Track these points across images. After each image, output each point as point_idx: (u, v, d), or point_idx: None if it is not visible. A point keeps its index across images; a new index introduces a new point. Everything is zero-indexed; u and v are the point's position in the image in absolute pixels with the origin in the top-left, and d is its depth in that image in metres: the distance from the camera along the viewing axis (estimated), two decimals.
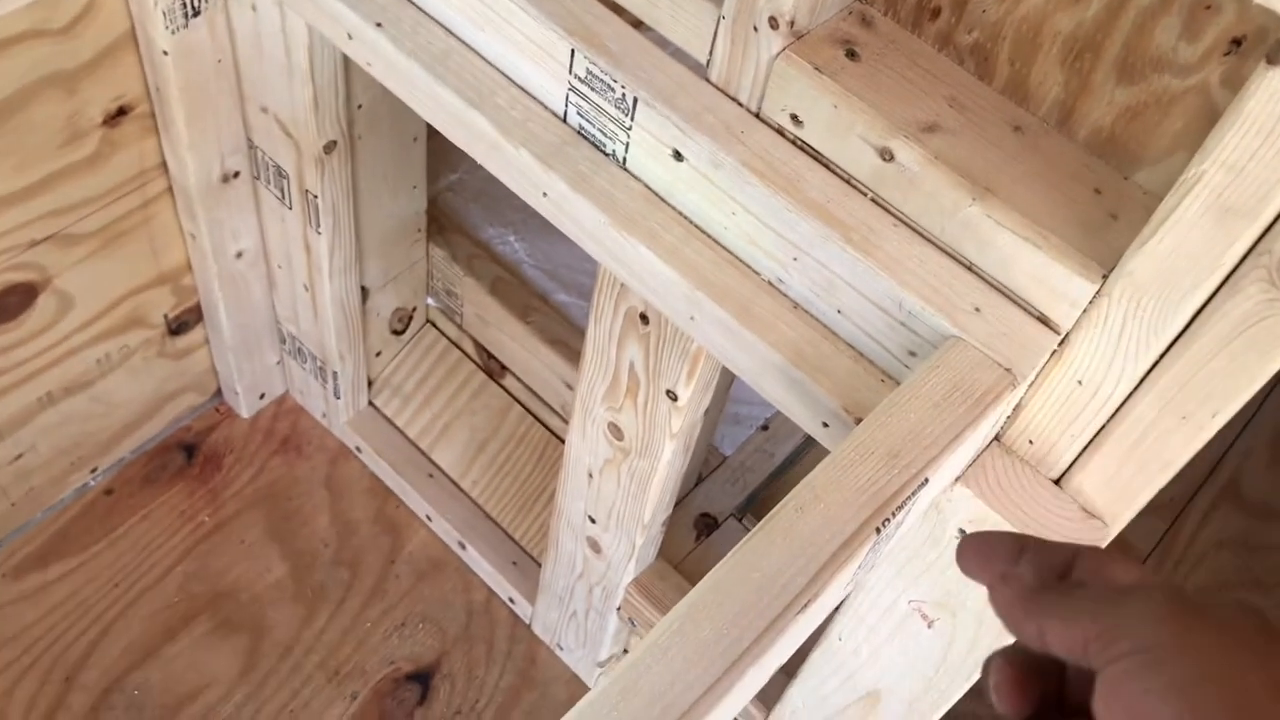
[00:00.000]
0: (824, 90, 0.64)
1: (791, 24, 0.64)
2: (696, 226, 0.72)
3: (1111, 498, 0.66)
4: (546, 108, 0.75)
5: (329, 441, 1.42)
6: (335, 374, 1.30)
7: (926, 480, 0.58)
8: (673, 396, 0.84)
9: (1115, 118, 0.62)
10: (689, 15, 0.68)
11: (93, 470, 1.33)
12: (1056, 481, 0.68)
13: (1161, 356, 0.60)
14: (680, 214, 0.72)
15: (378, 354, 1.37)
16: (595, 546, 1.08)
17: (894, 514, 0.56)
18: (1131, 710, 0.34)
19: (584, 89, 0.72)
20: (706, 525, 1.17)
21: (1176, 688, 0.33)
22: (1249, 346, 0.56)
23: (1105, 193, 0.63)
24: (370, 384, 1.39)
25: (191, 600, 1.29)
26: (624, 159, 0.73)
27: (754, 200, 0.67)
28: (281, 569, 1.32)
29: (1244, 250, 0.54)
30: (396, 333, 1.37)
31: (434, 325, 1.41)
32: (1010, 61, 0.65)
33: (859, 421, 0.66)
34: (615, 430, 0.93)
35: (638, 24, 0.72)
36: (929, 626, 0.76)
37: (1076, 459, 0.67)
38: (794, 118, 0.67)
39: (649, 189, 0.73)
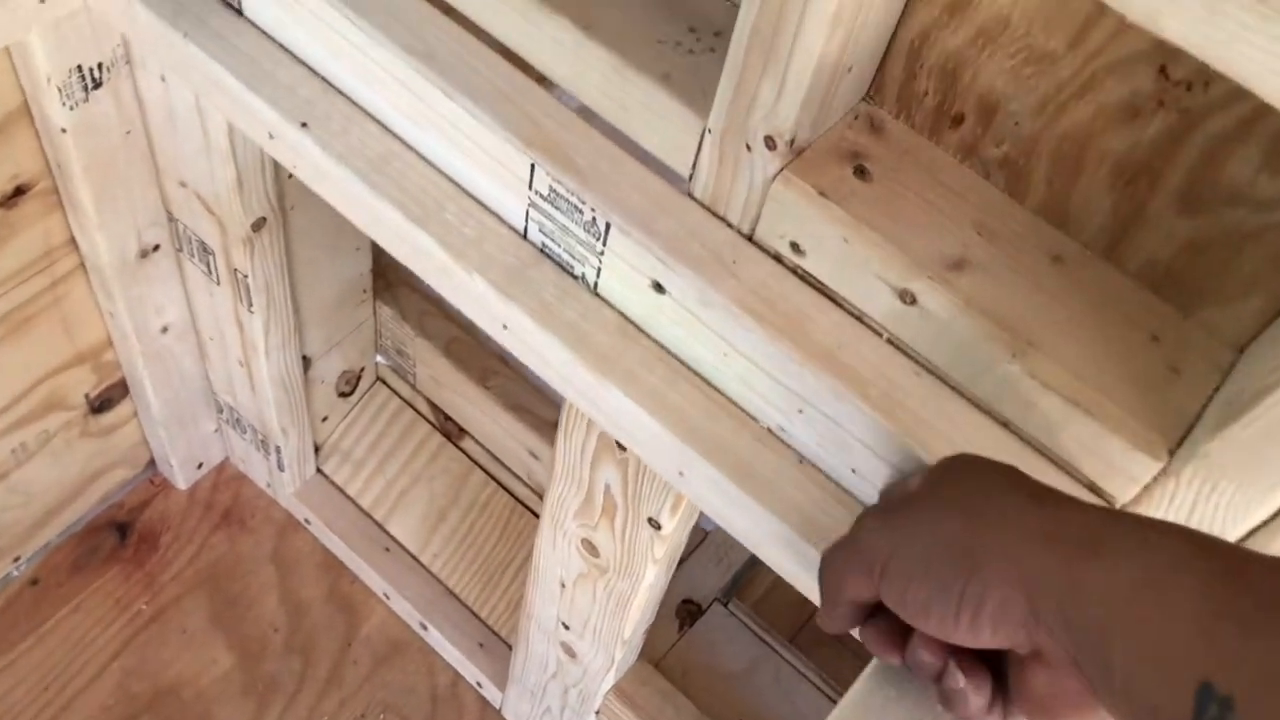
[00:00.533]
0: (832, 220, 0.55)
1: (791, 143, 0.54)
2: (683, 363, 0.62)
3: None
4: (504, 222, 0.65)
5: (275, 512, 1.31)
6: (278, 448, 1.19)
7: None
8: (655, 525, 0.75)
9: (1175, 252, 0.53)
10: (666, 125, 0.58)
11: (15, 559, 1.22)
12: None
13: (1243, 540, 0.51)
14: (663, 348, 0.63)
15: (324, 419, 1.26)
16: (570, 651, 0.99)
17: None
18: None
19: (547, 207, 0.62)
20: (690, 613, 1.08)
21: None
22: None
23: (1164, 340, 0.54)
24: (317, 450, 1.28)
25: (130, 701, 1.18)
26: (595, 284, 0.63)
27: (751, 345, 0.58)
28: (228, 660, 1.22)
29: None
30: (344, 395, 1.26)
31: (384, 383, 1.31)
32: (1048, 181, 0.55)
33: None
34: (590, 547, 0.83)
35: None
36: None
37: None
38: (795, 246, 0.57)
39: (625, 318, 0.63)
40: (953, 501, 0.42)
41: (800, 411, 0.58)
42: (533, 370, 0.65)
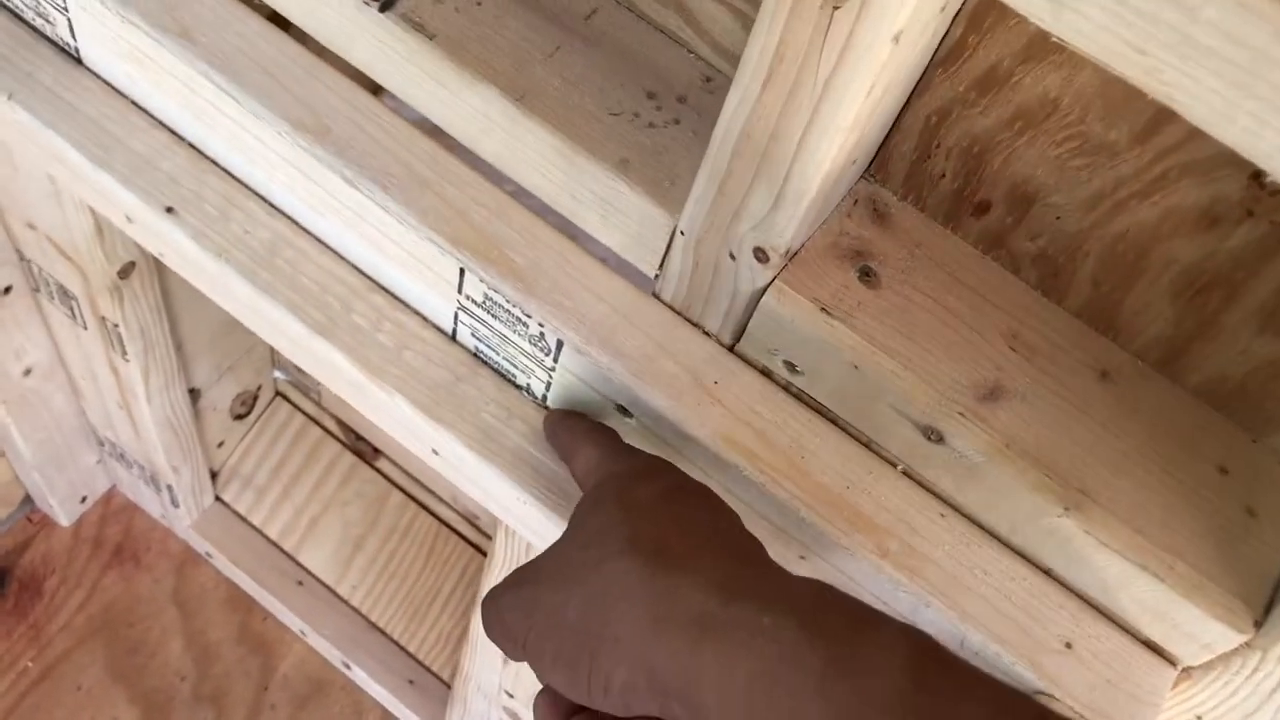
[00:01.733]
0: (837, 343, 0.45)
1: (787, 253, 0.44)
2: None
3: None
4: (428, 323, 0.54)
5: (172, 545, 1.19)
6: (170, 486, 1.07)
7: None
8: None
9: (1249, 370, 0.44)
10: (626, 220, 0.47)
11: None
12: None
13: None
14: None
15: (219, 445, 1.14)
16: (516, 718, 0.90)
17: None
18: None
19: (482, 314, 0.50)
20: None
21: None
22: None
23: (1233, 471, 0.45)
24: (214, 476, 1.15)
25: None
26: (544, 396, 0.53)
27: (741, 486, 0.48)
28: (131, 716, 1.11)
29: None
30: (239, 417, 1.14)
31: (286, 399, 1.18)
32: (1094, 283, 0.46)
33: None
34: None
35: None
36: None
37: None
38: (790, 365, 0.47)
39: None
40: (573, 575, 0.41)
41: (803, 559, 0.49)
42: (476, 499, 0.54)
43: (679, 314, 0.49)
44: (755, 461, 0.47)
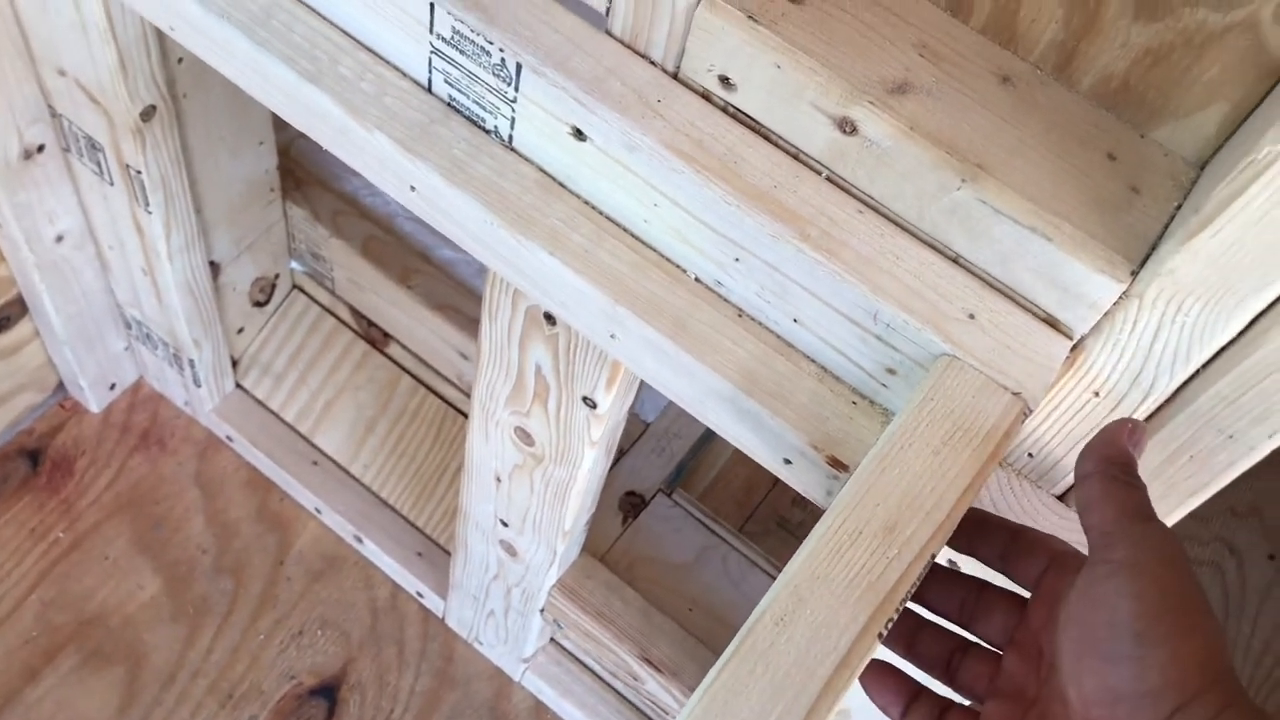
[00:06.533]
0: (763, 46, 0.50)
1: None
2: (610, 220, 0.58)
3: None
4: (406, 75, 0.60)
5: (195, 432, 1.25)
6: (192, 361, 1.13)
7: (933, 558, 0.46)
8: (591, 404, 0.71)
9: (1131, 63, 0.49)
10: None
11: None
12: (1061, 498, 0.57)
13: (1206, 365, 0.48)
14: (588, 204, 0.58)
15: (239, 331, 1.20)
16: (510, 550, 0.95)
17: (898, 610, 0.44)
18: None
19: (450, 52, 0.56)
20: (633, 505, 1.04)
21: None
22: None
23: (1121, 158, 0.50)
24: (235, 364, 1.22)
25: (53, 632, 1.13)
26: (509, 137, 0.58)
27: (681, 190, 0.53)
28: (154, 585, 1.17)
29: None
30: (259, 304, 1.20)
31: (302, 291, 1.24)
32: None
33: (830, 460, 0.53)
34: (524, 435, 0.79)
35: None
36: None
37: None
38: (724, 80, 0.53)
39: (545, 173, 0.58)
40: None
41: (737, 260, 0.54)
42: (447, 236, 0.60)
43: (628, 47, 0.55)
44: (692, 163, 0.52)
